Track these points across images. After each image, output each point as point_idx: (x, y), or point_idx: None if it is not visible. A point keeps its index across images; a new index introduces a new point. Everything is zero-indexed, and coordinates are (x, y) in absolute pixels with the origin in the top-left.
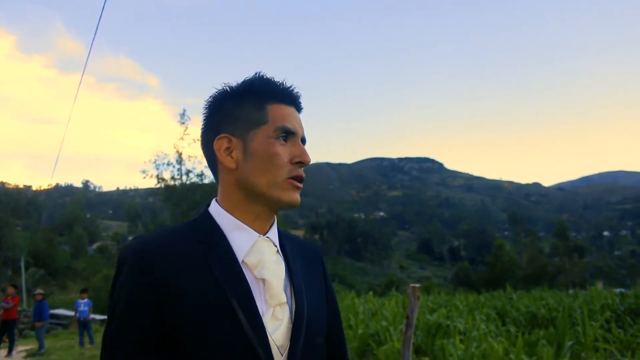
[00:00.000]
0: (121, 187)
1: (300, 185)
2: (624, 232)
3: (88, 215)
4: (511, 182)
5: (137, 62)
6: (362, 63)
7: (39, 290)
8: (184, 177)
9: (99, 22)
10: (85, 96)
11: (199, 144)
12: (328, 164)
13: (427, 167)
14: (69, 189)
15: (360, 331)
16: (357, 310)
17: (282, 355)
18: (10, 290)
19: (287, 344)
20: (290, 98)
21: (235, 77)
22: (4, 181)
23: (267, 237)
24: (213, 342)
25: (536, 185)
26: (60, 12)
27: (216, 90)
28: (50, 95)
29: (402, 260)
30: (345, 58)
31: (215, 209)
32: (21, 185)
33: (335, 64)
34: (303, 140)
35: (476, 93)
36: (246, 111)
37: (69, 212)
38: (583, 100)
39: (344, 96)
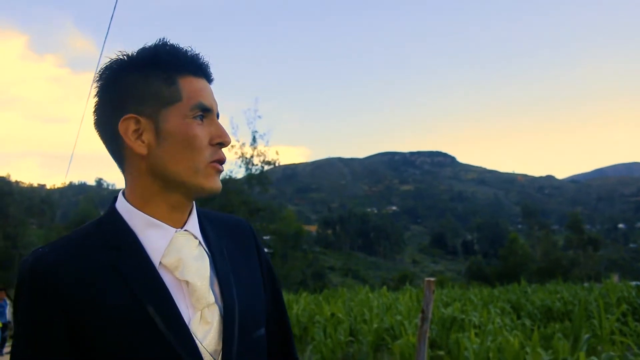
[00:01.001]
0: None
1: (222, 168)
2: (639, 224)
3: (102, 213)
4: (524, 175)
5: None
6: (374, 57)
7: None
8: None
9: (110, 21)
10: None
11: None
12: (340, 159)
13: (440, 161)
14: (83, 187)
15: (375, 325)
16: (372, 304)
17: None
18: None
19: (219, 348)
20: (200, 69)
21: (242, 75)
22: (18, 180)
23: (186, 230)
24: (136, 357)
25: (550, 178)
26: (71, 12)
27: (110, 60)
28: (62, 94)
29: (415, 254)
30: (356, 52)
31: (123, 206)
32: (35, 184)
33: (346, 58)
34: (218, 116)
35: (488, 86)
36: (154, 86)
37: (82, 210)
38: (597, 92)
39: (355, 91)
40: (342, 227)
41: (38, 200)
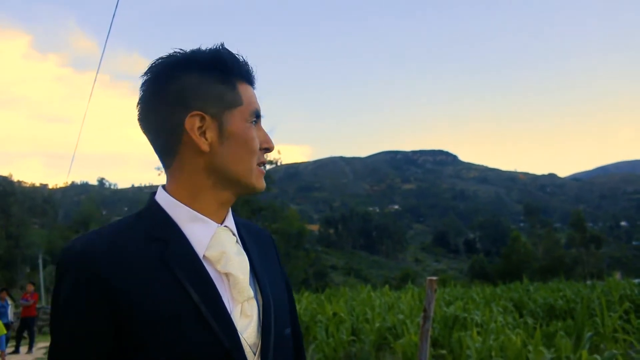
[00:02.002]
0: (136, 184)
1: (264, 170)
2: None
3: (104, 213)
4: (526, 174)
5: (151, 60)
6: (376, 56)
7: None
8: None
9: (112, 20)
10: (100, 94)
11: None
12: (342, 158)
13: (442, 160)
14: (85, 186)
15: (377, 324)
16: (374, 303)
17: (254, 355)
18: (30, 287)
19: (258, 342)
20: (252, 77)
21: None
22: (21, 180)
23: (226, 226)
24: (182, 350)
25: (552, 176)
26: (75, 12)
27: (167, 56)
28: (65, 94)
29: (417, 253)
30: (358, 51)
31: (166, 200)
32: (37, 184)
33: (348, 57)
34: None
35: (490, 84)
36: (218, 88)
37: (84, 210)
38: (598, 89)
39: (357, 90)
40: (344, 226)
41: (40, 200)
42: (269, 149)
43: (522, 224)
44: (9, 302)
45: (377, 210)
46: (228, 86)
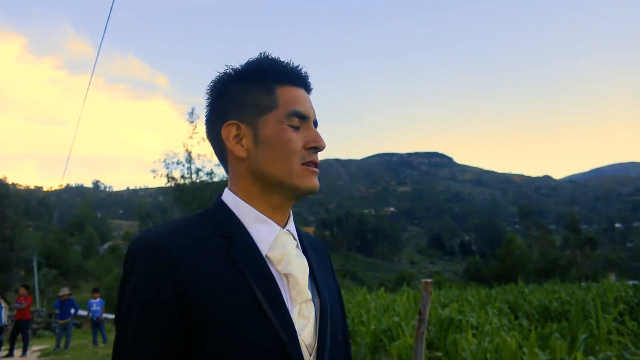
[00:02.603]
0: (131, 187)
1: (316, 170)
2: (636, 224)
3: (99, 215)
4: (521, 176)
5: (146, 62)
6: (371, 59)
7: (64, 290)
8: (194, 176)
9: (107, 23)
10: (95, 97)
11: (208, 142)
12: (337, 160)
13: (437, 162)
14: (80, 189)
15: (372, 327)
16: (369, 306)
17: (310, 355)
18: (22, 291)
19: (314, 343)
20: (299, 79)
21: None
22: (15, 182)
23: (287, 230)
24: (243, 342)
25: (546, 178)
26: (69, 14)
27: (219, 74)
28: (60, 97)
29: (412, 255)
30: (353, 54)
31: (232, 200)
32: (32, 186)
33: (343, 60)
34: (315, 124)
35: (485, 87)
36: (255, 95)
37: (79, 213)
38: (593, 92)
39: (353, 92)
40: (339, 228)
41: (35, 202)
42: (317, 148)
43: (517, 226)
44: (3, 305)
45: (373, 212)
46: (264, 92)
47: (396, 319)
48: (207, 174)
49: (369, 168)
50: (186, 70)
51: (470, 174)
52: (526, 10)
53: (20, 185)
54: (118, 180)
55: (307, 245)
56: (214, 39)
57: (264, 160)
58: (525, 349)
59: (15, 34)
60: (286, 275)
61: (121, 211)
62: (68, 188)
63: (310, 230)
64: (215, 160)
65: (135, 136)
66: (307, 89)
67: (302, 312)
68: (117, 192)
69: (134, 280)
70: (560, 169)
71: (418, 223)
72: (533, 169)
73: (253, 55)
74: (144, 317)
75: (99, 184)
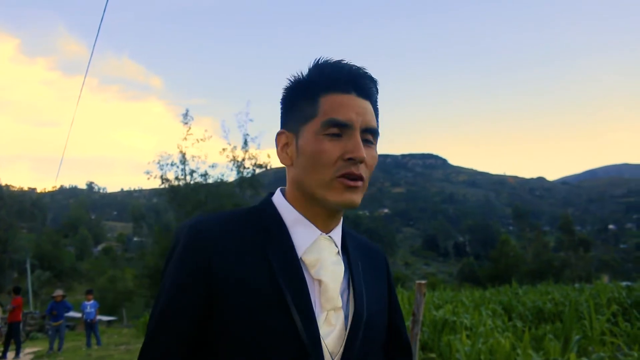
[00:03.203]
0: (125, 188)
1: (354, 183)
2: (629, 225)
3: (93, 217)
4: (515, 177)
5: (140, 63)
6: (364, 60)
7: (58, 291)
8: (188, 177)
9: (100, 24)
10: (89, 98)
11: (202, 144)
12: None
13: (431, 163)
14: (73, 190)
15: None
16: None
17: None
18: (13, 294)
19: (338, 351)
20: (349, 83)
21: (238, 77)
22: (9, 184)
23: (329, 236)
24: (262, 337)
25: (540, 179)
26: (63, 15)
27: (288, 80)
28: (54, 98)
29: (407, 256)
30: (346, 55)
31: (279, 200)
32: (26, 188)
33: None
34: (371, 131)
35: (479, 88)
36: (300, 104)
37: (73, 214)
38: (586, 94)
39: None
40: None
41: (29, 203)
42: (353, 159)
43: (511, 227)
44: None
45: (367, 213)
46: (308, 101)
47: None
48: (202, 175)
49: None
50: (181, 72)
51: (465, 175)
52: (522, 11)
53: (13, 186)
54: (112, 182)
55: (353, 252)
56: (209, 41)
57: (301, 169)
58: (519, 350)
59: (9, 35)
60: (318, 281)
61: (115, 213)
62: (62, 189)
63: None
64: (210, 161)
65: (129, 137)
66: (362, 92)
67: (329, 320)
68: (111, 194)
69: (172, 263)
70: (554, 171)
71: (412, 224)
72: (527, 171)
73: (261, 54)
74: (172, 295)
75: (92, 185)
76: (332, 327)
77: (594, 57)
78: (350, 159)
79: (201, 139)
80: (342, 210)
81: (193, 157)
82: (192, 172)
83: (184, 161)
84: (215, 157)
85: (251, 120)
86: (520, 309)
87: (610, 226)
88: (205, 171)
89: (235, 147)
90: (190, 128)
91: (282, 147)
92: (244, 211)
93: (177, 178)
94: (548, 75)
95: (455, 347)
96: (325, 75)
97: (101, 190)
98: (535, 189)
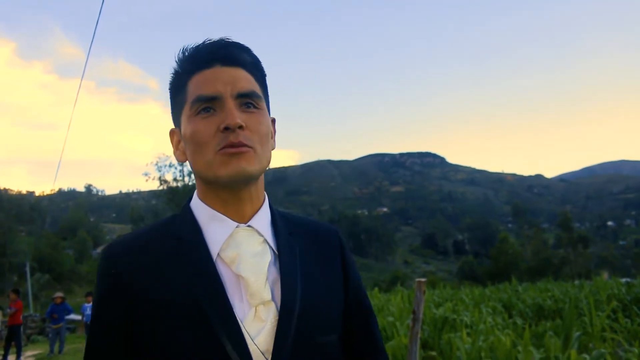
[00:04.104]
0: (124, 190)
1: (236, 150)
2: (627, 222)
3: (92, 219)
4: (513, 175)
5: (137, 65)
6: (362, 59)
7: (58, 294)
8: (187, 178)
9: (96, 27)
10: (86, 101)
11: None
12: (329, 161)
13: (429, 162)
14: (72, 193)
15: None
16: None
17: None
18: (12, 296)
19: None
20: (212, 57)
21: None
22: (7, 187)
23: (250, 225)
24: (182, 348)
25: (539, 177)
26: (59, 18)
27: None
28: (50, 101)
29: (406, 255)
30: (344, 54)
31: (194, 201)
32: (24, 191)
33: (334, 60)
34: (248, 95)
35: (476, 86)
36: (176, 97)
37: (72, 217)
38: (584, 91)
39: (344, 93)
40: None
41: (27, 207)
42: (227, 127)
43: (510, 225)
44: None
45: (366, 213)
46: (181, 90)
47: (390, 318)
48: None
49: (361, 169)
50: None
51: (463, 173)
52: (515, 11)
53: (12, 190)
54: (110, 184)
55: (291, 238)
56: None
57: (191, 159)
58: (519, 348)
59: (5, 39)
60: (240, 276)
61: (114, 215)
62: (60, 192)
63: None
64: None
65: (127, 139)
66: (231, 62)
67: (259, 315)
68: (109, 196)
69: (95, 284)
70: (552, 168)
71: (411, 223)
72: (525, 168)
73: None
74: (96, 318)
75: (91, 188)
76: (262, 322)
77: (592, 54)
78: (226, 128)
79: None
80: (242, 187)
81: None
82: (190, 173)
83: (182, 162)
84: None
85: None
86: (521, 306)
87: (609, 223)
88: None
89: None
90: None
91: (176, 145)
92: (161, 223)
93: (175, 179)
94: (545, 73)
95: (455, 345)
96: (188, 60)
97: (99, 193)
98: (534, 187)
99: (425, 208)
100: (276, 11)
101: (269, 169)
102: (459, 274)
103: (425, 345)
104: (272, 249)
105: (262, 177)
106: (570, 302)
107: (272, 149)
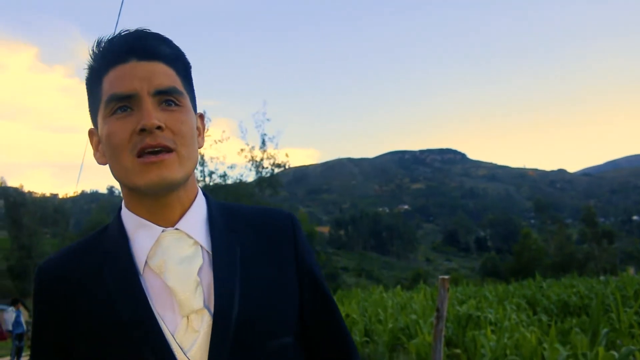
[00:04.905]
0: None
1: (155, 158)
2: None
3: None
4: (535, 170)
5: None
6: (381, 56)
7: None
8: (207, 179)
9: (115, 30)
10: None
11: (220, 145)
12: (350, 160)
13: (450, 158)
14: (95, 195)
15: (390, 325)
16: (386, 304)
17: None
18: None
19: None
20: (127, 51)
21: (251, 78)
22: (31, 190)
23: (177, 228)
24: None
25: (561, 171)
26: (79, 23)
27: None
28: (72, 104)
29: (428, 252)
30: (363, 52)
31: (123, 209)
32: (48, 194)
33: (353, 58)
34: (167, 92)
35: (497, 81)
36: (91, 95)
37: (95, 219)
38: (607, 82)
39: (363, 90)
40: (354, 227)
41: (51, 209)
42: (143, 129)
43: (532, 221)
44: (22, 311)
45: (387, 210)
46: (96, 87)
47: (414, 316)
48: (221, 176)
49: (381, 166)
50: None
51: (484, 169)
52: (536, 6)
53: (36, 193)
54: None
55: (225, 232)
56: (224, 44)
57: (109, 163)
58: (545, 345)
59: (27, 44)
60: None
61: None
62: (83, 194)
63: (324, 230)
64: (228, 162)
65: None
66: (148, 55)
67: (192, 325)
68: None
69: (33, 309)
70: (575, 162)
71: (432, 220)
72: (547, 163)
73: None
74: (33, 342)
75: (113, 189)
76: (196, 333)
77: (615, 47)
78: (142, 129)
79: (219, 140)
80: (167, 193)
81: (211, 158)
82: (211, 173)
83: (202, 163)
84: (233, 158)
85: (268, 120)
86: (545, 302)
87: (635, 217)
88: (224, 172)
89: (253, 147)
90: (208, 129)
91: (96, 146)
92: (92, 235)
93: (196, 180)
94: (567, 65)
95: (480, 342)
96: (102, 54)
97: (121, 194)
98: (556, 182)
99: (447, 205)
100: (294, 10)
101: (289, 167)
102: (481, 270)
103: (449, 343)
104: (207, 251)
105: (192, 175)
106: (596, 298)
107: (200, 147)
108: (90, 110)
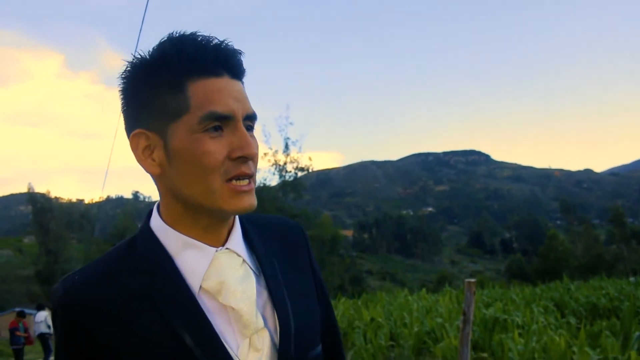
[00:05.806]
0: None
1: (248, 187)
2: None
3: (139, 226)
4: (561, 170)
5: None
6: (403, 58)
7: None
8: None
9: (139, 37)
10: None
11: None
12: (373, 162)
13: (474, 160)
14: (120, 200)
15: (415, 329)
16: (411, 307)
17: None
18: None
19: None
20: (219, 63)
21: (273, 82)
22: (58, 196)
23: (228, 248)
24: None
25: (587, 171)
26: (104, 30)
27: (128, 63)
28: (97, 110)
29: (452, 255)
30: (385, 54)
31: (158, 224)
32: (74, 199)
33: (375, 61)
34: (251, 118)
35: (520, 81)
36: (162, 95)
37: (120, 224)
38: (632, 80)
39: (386, 93)
40: (378, 230)
41: (77, 215)
42: (244, 157)
43: (558, 222)
44: (47, 312)
45: (411, 213)
46: (172, 90)
47: (439, 320)
48: None
49: (405, 168)
50: None
51: (509, 170)
52: (561, 4)
53: (62, 198)
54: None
55: (266, 249)
56: (247, 48)
57: (178, 178)
58: (574, 348)
59: (54, 52)
60: (231, 307)
61: None
62: (108, 200)
63: (348, 233)
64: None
65: None
66: (235, 73)
67: (254, 345)
68: (156, 202)
69: (57, 337)
70: (601, 162)
71: (457, 222)
72: (573, 163)
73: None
74: None
75: (138, 194)
76: (259, 352)
77: (635, 41)
78: (240, 157)
79: None
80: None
81: None
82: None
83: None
84: None
85: (291, 123)
86: (573, 305)
87: None
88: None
89: (276, 151)
90: None
91: (144, 151)
92: (119, 249)
93: None
94: (591, 63)
95: (507, 345)
96: (187, 56)
97: (146, 199)
98: (583, 182)
99: (471, 206)
100: (317, 15)
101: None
102: (507, 272)
103: (476, 347)
104: (252, 268)
105: None
106: (628, 300)
107: None
108: (143, 111)
